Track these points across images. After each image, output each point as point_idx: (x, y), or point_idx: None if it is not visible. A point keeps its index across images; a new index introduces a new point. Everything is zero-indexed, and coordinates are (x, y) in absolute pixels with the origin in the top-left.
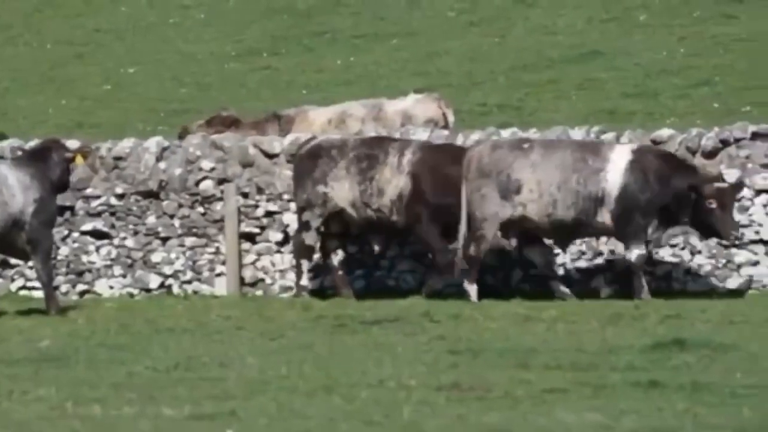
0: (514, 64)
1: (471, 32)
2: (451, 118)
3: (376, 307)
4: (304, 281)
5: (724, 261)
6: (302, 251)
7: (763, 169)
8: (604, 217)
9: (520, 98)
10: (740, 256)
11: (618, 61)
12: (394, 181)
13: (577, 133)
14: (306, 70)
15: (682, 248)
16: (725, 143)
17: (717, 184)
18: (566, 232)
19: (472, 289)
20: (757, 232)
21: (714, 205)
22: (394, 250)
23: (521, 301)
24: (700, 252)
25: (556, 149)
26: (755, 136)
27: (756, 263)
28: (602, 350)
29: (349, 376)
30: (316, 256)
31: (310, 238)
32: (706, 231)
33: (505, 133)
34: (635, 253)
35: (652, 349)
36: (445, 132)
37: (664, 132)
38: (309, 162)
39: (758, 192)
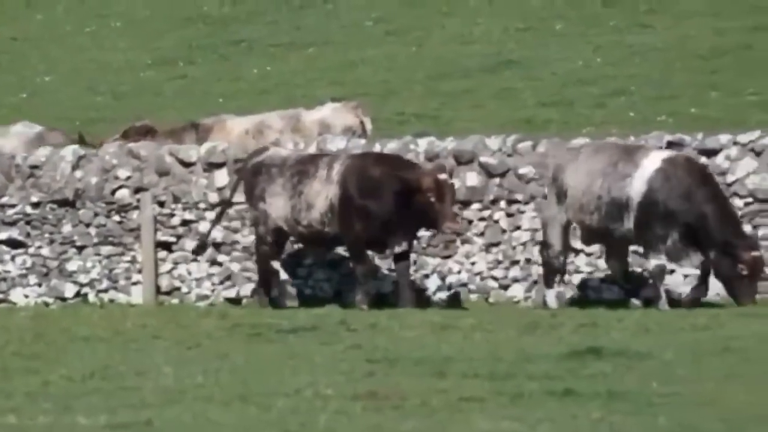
0: (430, 73)
1: (388, 41)
2: (368, 127)
3: (292, 316)
4: (284, 275)
5: (639, 270)
6: (262, 261)
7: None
8: (630, 223)
9: (436, 107)
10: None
11: (534, 71)
12: (323, 192)
13: (494, 142)
14: (222, 79)
15: (598, 257)
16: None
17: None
18: (598, 237)
19: (549, 294)
20: None
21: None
22: (311, 259)
23: (438, 310)
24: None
25: (598, 153)
26: (670, 145)
27: (672, 272)
28: (519, 359)
29: (266, 385)
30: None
31: (269, 250)
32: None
33: (422, 142)
34: (652, 263)
35: (568, 357)
36: (363, 141)
37: (581, 141)
38: (253, 179)
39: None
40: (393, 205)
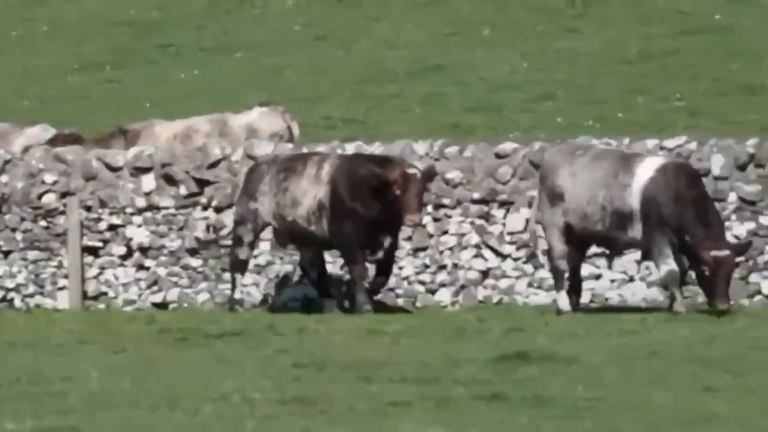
0: (358, 78)
1: (316, 46)
2: (296, 131)
3: (220, 321)
4: (237, 295)
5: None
6: (236, 265)
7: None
8: (635, 232)
9: (364, 112)
10: (582, 269)
11: (461, 76)
12: (311, 191)
13: (421, 147)
14: (150, 83)
15: (525, 261)
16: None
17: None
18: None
19: (560, 297)
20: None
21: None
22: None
23: (365, 315)
24: (543, 265)
25: (582, 158)
26: None
27: (599, 277)
28: (446, 363)
29: (193, 390)
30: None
31: (243, 253)
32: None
33: (350, 147)
34: (663, 269)
35: (496, 362)
36: (290, 145)
37: (508, 146)
38: (246, 177)
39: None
40: (375, 203)
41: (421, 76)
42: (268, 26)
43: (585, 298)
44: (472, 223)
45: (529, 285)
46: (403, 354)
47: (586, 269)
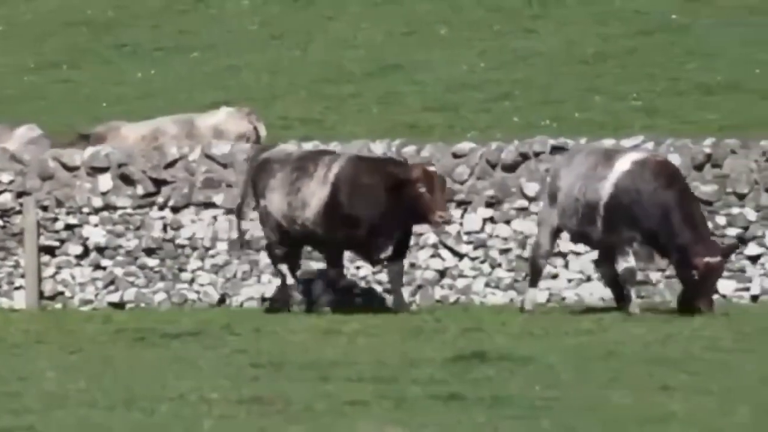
0: (314, 77)
1: (272, 45)
2: (262, 132)
3: (177, 320)
4: (290, 280)
5: (523, 274)
6: (276, 259)
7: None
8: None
9: (321, 112)
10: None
11: (418, 75)
12: (318, 193)
13: (378, 147)
14: (106, 83)
15: (482, 261)
16: (525, 157)
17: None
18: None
19: (529, 293)
20: (556, 245)
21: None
22: (195, 264)
23: (323, 314)
24: (500, 265)
25: (578, 156)
26: (554, 149)
27: (555, 276)
28: (403, 363)
29: (150, 390)
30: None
31: (278, 249)
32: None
33: (307, 146)
34: (621, 266)
35: (453, 361)
36: (247, 146)
37: (465, 145)
38: (256, 175)
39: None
40: (385, 204)
41: (378, 75)
42: (224, 26)
43: (542, 298)
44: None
45: (487, 285)
46: (360, 354)
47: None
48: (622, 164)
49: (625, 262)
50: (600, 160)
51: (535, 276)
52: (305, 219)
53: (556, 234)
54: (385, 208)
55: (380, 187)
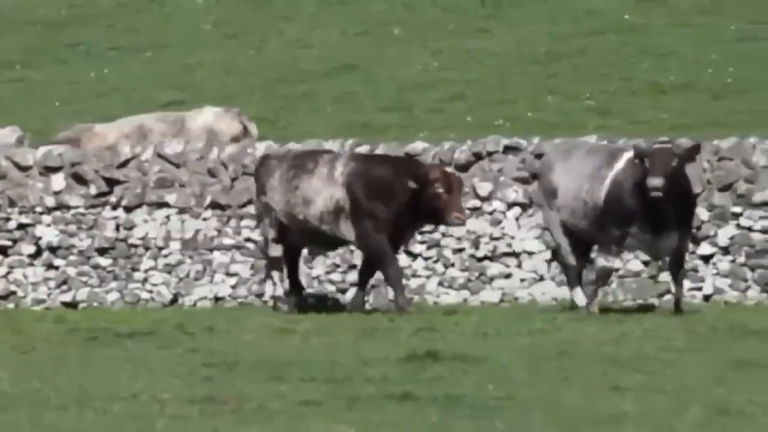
0: (269, 77)
1: (226, 45)
2: (254, 132)
3: (130, 320)
4: (279, 291)
5: (477, 274)
6: (271, 263)
7: (514, 182)
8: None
9: (275, 111)
10: (493, 268)
11: (373, 75)
12: (324, 191)
13: (332, 147)
14: (59, 82)
15: (436, 261)
16: (478, 156)
17: None
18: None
19: (575, 294)
20: (509, 245)
21: None
22: (148, 264)
23: (276, 314)
24: (453, 265)
25: (576, 153)
26: (507, 149)
27: (508, 276)
28: (356, 362)
29: (102, 390)
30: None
31: (273, 250)
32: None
33: (261, 147)
34: (599, 263)
35: (406, 361)
36: (199, 146)
37: (418, 145)
38: (257, 173)
39: (510, 205)
40: (403, 204)
41: (333, 75)
42: (179, 25)
43: (494, 297)
44: None
45: (440, 284)
46: (313, 353)
47: (495, 268)
48: (620, 162)
49: (605, 261)
50: (605, 160)
51: (570, 276)
52: (310, 216)
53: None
54: (402, 207)
55: (397, 185)
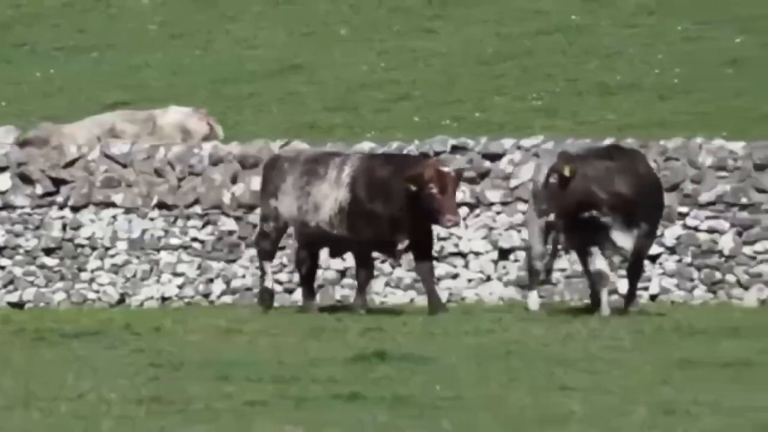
0: (215, 77)
1: (172, 45)
2: (220, 134)
3: (76, 320)
4: (269, 283)
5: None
6: (264, 254)
7: (461, 182)
8: None
9: (221, 111)
10: (440, 269)
11: (319, 75)
12: (332, 194)
13: (276, 147)
14: (4, 82)
15: (383, 261)
16: (425, 157)
17: None
18: None
19: (530, 296)
20: (456, 245)
21: None
22: (95, 264)
23: (223, 314)
24: (400, 265)
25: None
26: (454, 149)
27: (455, 276)
28: (304, 363)
29: (49, 390)
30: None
31: (269, 245)
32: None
33: (207, 147)
34: (597, 266)
35: (354, 361)
36: (146, 146)
37: (365, 145)
38: (266, 173)
39: (458, 205)
40: (400, 203)
41: (279, 75)
42: (124, 25)
43: (442, 298)
44: None
45: (387, 284)
46: (260, 353)
47: (442, 268)
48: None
49: (601, 265)
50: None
51: (533, 280)
52: (319, 220)
53: (547, 232)
54: (403, 205)
55: (396, 182)
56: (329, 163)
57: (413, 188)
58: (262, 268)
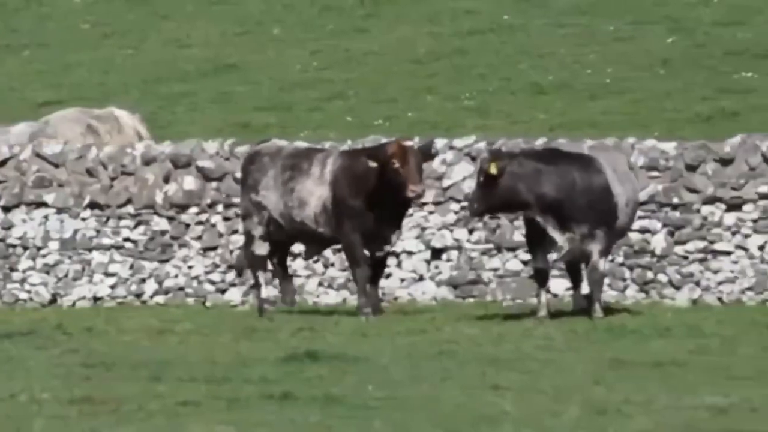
0: (147, 76)
1: (104, 44)
2: (145, 134)
3: (8, 320)
4: (264, 293)
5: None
6: (255, 263)
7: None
8: None
9: (154, 111)
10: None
11: (252, 75)
12: (316, 192)
13: (211, 146)
14: None
15: (316, 261)
16: None
17: None
18: None
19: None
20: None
21: None
22: (26, 264)
23: (155, 314)
24: (333, 264)
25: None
26: None
27: (388, 276)
28: (236, 363)
29: None
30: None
31: (259, 248)
32: None
33: (139, 146)
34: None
35: (286, 361)
36: (78, 146)
37: (300, 145)
38: (246, 169)
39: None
40: (378, 195)
41: (212, 75)
42: (57, 24)
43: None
44: None
45: (320, 284)
46: (192, 353)
47: None
48: None
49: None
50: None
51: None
52: (304, 217)
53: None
54: (378, 194)
55: (370, 174)
56: (313, 158)
57: (374, 165)
58: (256, 279)
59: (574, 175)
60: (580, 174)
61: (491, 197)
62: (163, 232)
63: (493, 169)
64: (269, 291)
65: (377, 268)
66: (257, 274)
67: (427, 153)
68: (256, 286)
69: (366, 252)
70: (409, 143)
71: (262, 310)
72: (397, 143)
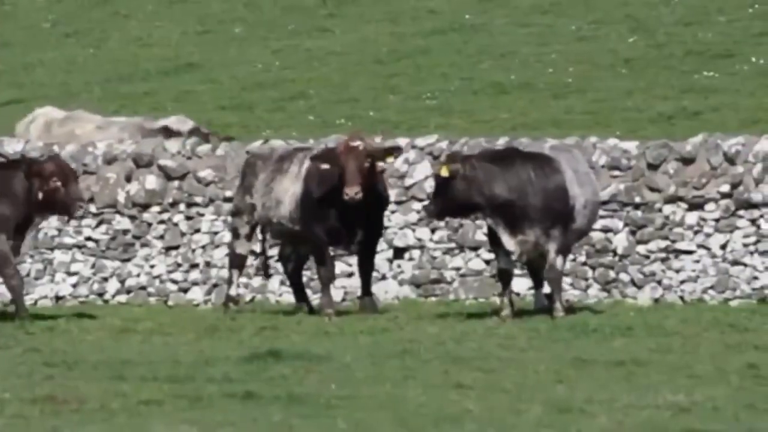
0: (109, 75)
1: (66, 43)
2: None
3: None
4: (233, 291)
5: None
6: (233, 260)
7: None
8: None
9: (115, 110)
10: (335, 268)
11: (214, 74)
12: (291, 189)
13: (173, 145)
14: None
15: (277, 260)
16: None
17: None
18: None
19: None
20: None
21: None
22: None
23: (117, 313)
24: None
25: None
26: None
27: (351, 275)
28: (198, 362)
29: None
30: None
31: (240, 246)
32: None
33: (101, 146)
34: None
35: (248, 360)
36: (40, 144)
37: (264, 146)
38: (243, 172)
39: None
40: (341, 194)
41: (173, 74)
42: (18, 23)
43: (337, 296)
44: (225, 221)
45: (282, 283)
46: (155, 352)
47: (337, 267)
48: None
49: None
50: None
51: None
52: (280, 217)
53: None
54: (340, 192)
55: (334, 173)
56: (294, 158)
57: (324, 166)
58: (229, 276)
59: (530, 175)
60: (537, 174)
61: (445, 199)
62: (125, 231)
63: (444, 172)
64: (239, 290)
65: (365, 264)
66: (232, 270)
67: (379, 152)
68: (228, 282)
69: (331, 250)
70: (356, 143)
71: (227, 307)
72: (344, 143)
